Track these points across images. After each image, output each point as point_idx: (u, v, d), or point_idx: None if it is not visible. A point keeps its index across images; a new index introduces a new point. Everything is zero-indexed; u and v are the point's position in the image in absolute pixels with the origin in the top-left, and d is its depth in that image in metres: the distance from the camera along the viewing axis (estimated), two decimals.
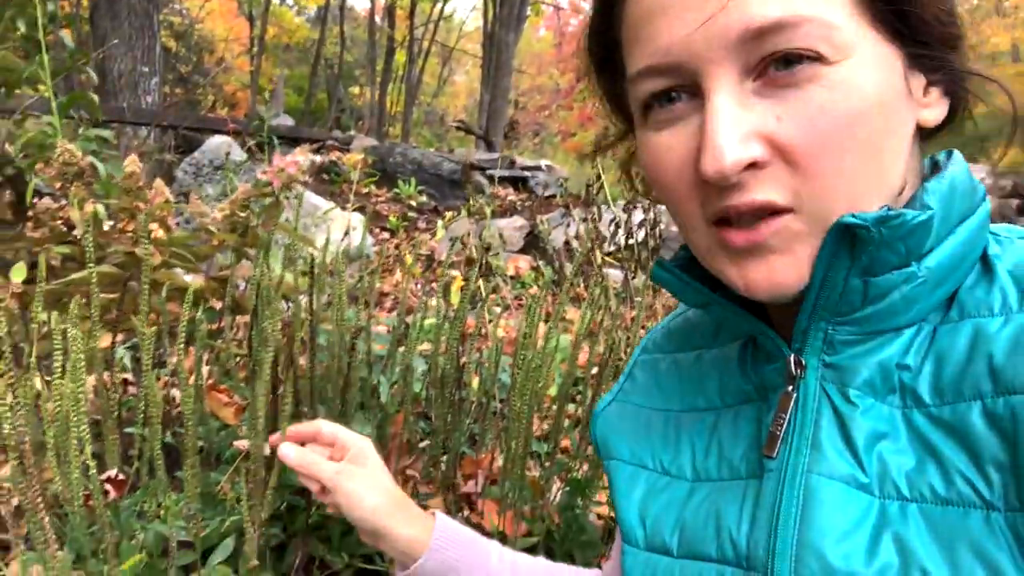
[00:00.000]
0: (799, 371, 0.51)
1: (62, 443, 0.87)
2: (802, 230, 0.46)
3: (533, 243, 5.20)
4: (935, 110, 0.51)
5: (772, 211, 0.46)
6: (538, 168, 7.17)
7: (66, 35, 2.32)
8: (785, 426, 0.51)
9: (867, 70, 0.45)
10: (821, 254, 0.46)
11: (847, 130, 0.44)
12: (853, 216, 0.44)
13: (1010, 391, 0.43)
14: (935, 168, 0.54)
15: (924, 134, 0.52)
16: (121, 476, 0.98)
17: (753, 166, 0.45)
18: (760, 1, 0.43)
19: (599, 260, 2.95)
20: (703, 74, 0.46)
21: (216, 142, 5.21)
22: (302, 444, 0.86)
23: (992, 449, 0.43)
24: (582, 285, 3.32)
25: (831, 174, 0.45)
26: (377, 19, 16.48)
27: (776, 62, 0.44)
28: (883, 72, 0.46)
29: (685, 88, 0.48)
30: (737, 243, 0.47)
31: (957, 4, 0.48)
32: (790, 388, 0.52)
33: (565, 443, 1.43)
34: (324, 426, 0.87)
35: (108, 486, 0.96)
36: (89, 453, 0.87)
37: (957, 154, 0.54)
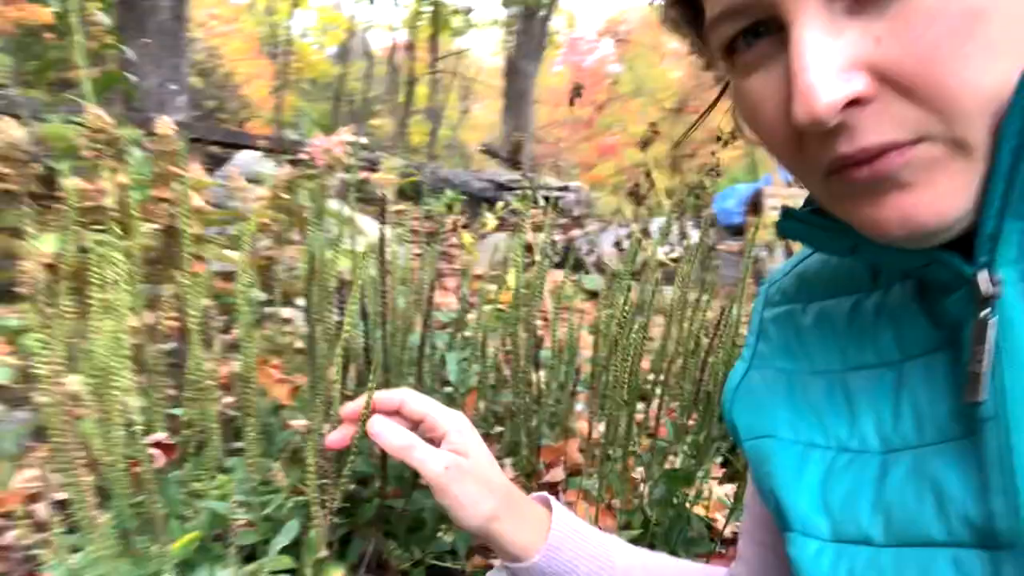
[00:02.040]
0: (996, 288, 0.40)
1: (101, 392, 0.72)
2: (939, 156, 0.38)
3: (567, 259, 5.09)
4: None
5: (896, 147, 0.38)
6: (567, 188, 7.12)
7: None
8: (989, 361, 0.40)
9: None
10: (1010, 119, 0.36)
11: (965, 33, 0.35)
12: None
13: None
14: None
15: None
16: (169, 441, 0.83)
17: (856, 103, 0.37)
18: None
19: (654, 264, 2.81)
20: (781, 5, 0.38)
21: (245, 157, 5.12)
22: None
23: None
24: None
25: (956, 92, 0.36)
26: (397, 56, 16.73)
27: None
28: None
29: (766, 23, 0.40)
30: (861, 178, 0.39)
31: None
32: (983, 313, 0.40)
33: (662, 431, 1.27)
34: (410, 398, 0.71)
35: (154, 451, 0.81)
36: (133, 405, 0.72)
37: None
